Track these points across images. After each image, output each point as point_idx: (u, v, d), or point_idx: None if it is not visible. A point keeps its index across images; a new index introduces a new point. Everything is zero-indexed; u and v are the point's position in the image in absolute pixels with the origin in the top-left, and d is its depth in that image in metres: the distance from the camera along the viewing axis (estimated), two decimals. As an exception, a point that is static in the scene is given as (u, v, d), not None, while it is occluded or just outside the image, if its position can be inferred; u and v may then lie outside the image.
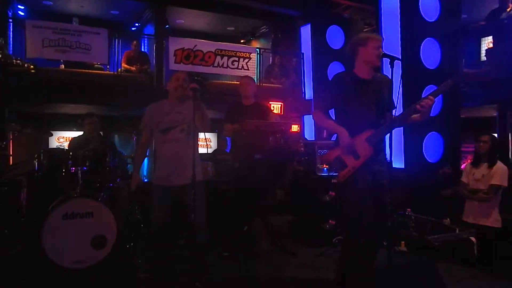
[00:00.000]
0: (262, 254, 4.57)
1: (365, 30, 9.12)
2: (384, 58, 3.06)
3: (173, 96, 3.48)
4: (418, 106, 2.95)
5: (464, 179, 4.80)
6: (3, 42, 7.03)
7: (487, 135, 4.69)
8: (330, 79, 3.31)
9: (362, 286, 3.09)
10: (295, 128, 9.82)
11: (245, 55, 9.15)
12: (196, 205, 3.07)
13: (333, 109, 3.28)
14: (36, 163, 4.21)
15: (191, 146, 3.33)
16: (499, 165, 4.52)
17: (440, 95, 3.13)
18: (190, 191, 3.10)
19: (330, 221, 4.86)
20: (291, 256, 4.43)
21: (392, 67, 2.89)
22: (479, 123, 8.19)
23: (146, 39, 10.29)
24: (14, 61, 4.30)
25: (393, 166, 5.33)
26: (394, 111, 3.09)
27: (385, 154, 3.05)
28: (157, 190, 3.45)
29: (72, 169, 4.16)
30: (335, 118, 3.25)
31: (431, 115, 5.64)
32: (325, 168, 5.01)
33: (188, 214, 3.26)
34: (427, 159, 5.93)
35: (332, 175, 4.96)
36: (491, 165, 4.54)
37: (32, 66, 4.29)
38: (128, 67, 8.43)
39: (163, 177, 3.42)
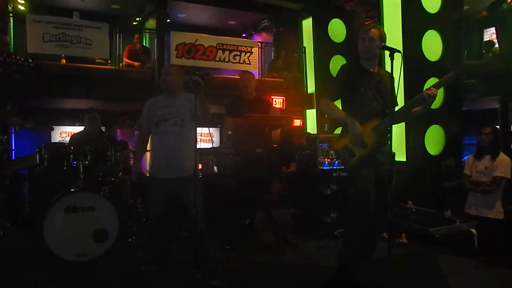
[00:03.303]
0: (264, 246, 4.58)
1: (367, 23, 9.08)
2: (384, 51, 3.06)
3: (166, 91, 3.53)
4: (425, 94, 2.95)
5: (466, 171, 4.80)
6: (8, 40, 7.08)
7: (489, 127, 4.68)
8: (338, 70, 3.31)
9: (363, 278, 3.10)
10: (297, 122, 9.81)
11: (247, 49, 9.12)
12: (192, 197, 3.09)
13: (339, 101, 3.29)
14: (38, 157, 4.22)
15: (186, 139, 3.35)
16: (502, 156, 4.51)
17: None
18: (186, 184, 3.14)
19: (331, 214, 4.87)
20: (293, 248, 4.44)
21: (392, 59, 2.90)
22: (481, 116, 8.16)
23: (147, 33, 10.27)
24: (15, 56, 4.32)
25: (395, 159, 5.32)
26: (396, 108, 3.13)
27: (390, 146, 3.05)
28: (153, 182, 3.50)
29: (74, 163, 4.17)
30: (341, 109, 3.26)
31: (432, 107, 5.69)
32: (326, 162, 5.01)
33: (185, 206, 3.30)
34: (429, 152, 5.92)
35: (333, 168, 4.96)
36: (494, 157, 4.54)
37: (32, 61, 4.28)
38: (130, 62, 8.41)
39: (158, 169, 3.46)
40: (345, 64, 3.36)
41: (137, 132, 5.26)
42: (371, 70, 3.19)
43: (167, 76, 3.48)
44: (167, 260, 3.62)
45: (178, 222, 4.32)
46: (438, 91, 3.03)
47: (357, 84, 3.12)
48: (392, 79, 3.12)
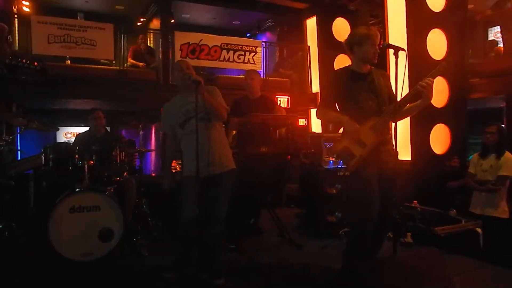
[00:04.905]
0: (268, 246, 4.58)
1: (371, 22, 9.05)
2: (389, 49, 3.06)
3: (183, 88, 3.39)
4: (419, 86, 2.93)
5: (471, 170, 4.78)
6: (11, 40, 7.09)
7: (494, 126, 4.65)
8: (330, 77, 3.31)
9: (368, 277, 3.09)
10: (302, 121, 9.80)
11: (251, 48, 9.11)
12: (222, 196, 3.13)
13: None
14: (43, 158, 4.23)
15: (213, 133, 3.23)
16: (508, 155, 4.49)
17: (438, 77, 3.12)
18: (219, 181, 3.17)
19: (336, 213, 4.86)
20: (297, 248, 4.44)
21: (396, 57, 2.89)
22: (486, 115, 8.11)
23: (151, 33, 10.28)
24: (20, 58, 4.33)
25: (400, 158, 5.31)
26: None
27: (393, 145, 3.03)
28: (187, 181, 3.33)
29: (79, 163, 4.18)
30: None
31: (437, 106, 5.68)
32: (331, 161, 5.00)
33: (211, 205, 3.23)
34: (434, 151, 5.90)
35: (338, 167, 4.94)
36: (499, 156, 4.51)
37: (36, 63, 4.30)
38: (135, 62, 8.42)
39: (192, 168, 3.19)
40: (335, 70, 3.34)
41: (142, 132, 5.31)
42: (361, 72, 3.18)
43: (190, 71, 3.34)
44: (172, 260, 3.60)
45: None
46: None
47: (351, 89, 3.12)
48: (386, 75, 3.12)
